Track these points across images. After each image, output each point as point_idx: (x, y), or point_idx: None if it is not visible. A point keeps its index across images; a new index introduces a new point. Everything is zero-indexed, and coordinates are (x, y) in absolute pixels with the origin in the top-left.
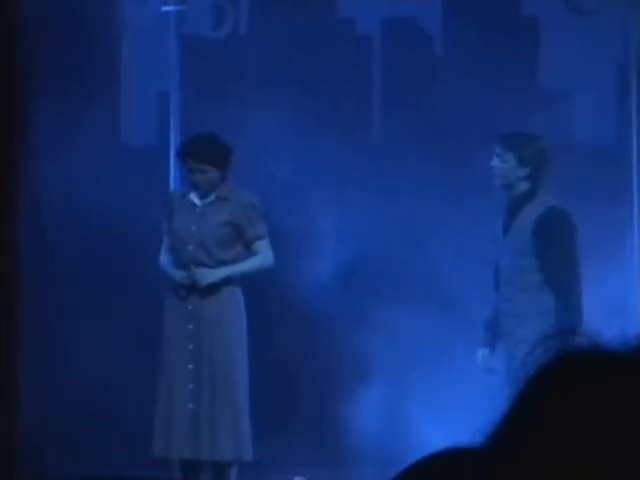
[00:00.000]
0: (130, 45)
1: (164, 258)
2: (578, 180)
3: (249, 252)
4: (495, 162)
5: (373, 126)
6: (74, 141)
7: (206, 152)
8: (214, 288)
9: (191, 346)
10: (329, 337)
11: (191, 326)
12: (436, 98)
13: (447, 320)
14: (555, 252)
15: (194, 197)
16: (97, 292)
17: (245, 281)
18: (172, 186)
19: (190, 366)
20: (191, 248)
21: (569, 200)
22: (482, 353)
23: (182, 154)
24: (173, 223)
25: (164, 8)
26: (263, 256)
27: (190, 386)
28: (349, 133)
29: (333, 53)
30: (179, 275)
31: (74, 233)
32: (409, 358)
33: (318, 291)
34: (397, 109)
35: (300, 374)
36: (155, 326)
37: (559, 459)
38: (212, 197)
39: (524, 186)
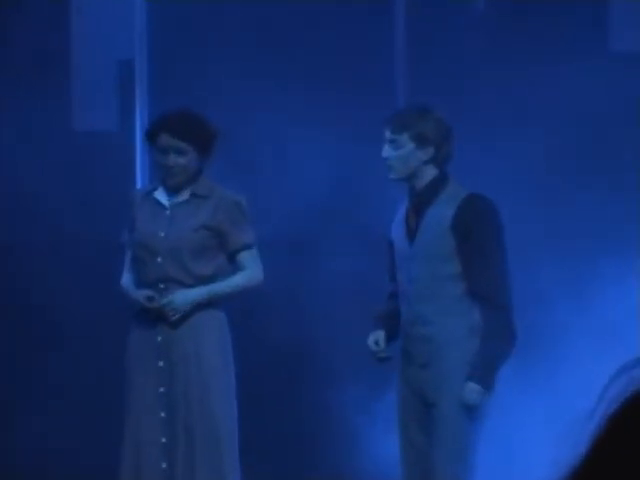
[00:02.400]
0: (83, 4)
1: (126, 278)
2: None
3: (233, 264)
4: (387, 151)
5: (396, 100)
6: (13, 128)
7: (187, 127)
8: (189, 313)
9: (162, 389)
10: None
11: (161, 363)
12: (474, 66)
13: None
14: (481, 254)
15: (161, 196)
16: (48, 314)
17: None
18: (139, 183)
19: (162, 414)
20: (160, 260)
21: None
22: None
23: (155, 128)
24: (136, 231)
25: None
26: (250, 271)
27: (163, 440)
28: (365, 110)
29: (345, 11)
30: (143, 294)
31: (18, 242)
32: None
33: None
34: (425, 78)
35: (299, 422)
36: (118, 361)
37: None
38: (186, 194)
39: (431, 172)
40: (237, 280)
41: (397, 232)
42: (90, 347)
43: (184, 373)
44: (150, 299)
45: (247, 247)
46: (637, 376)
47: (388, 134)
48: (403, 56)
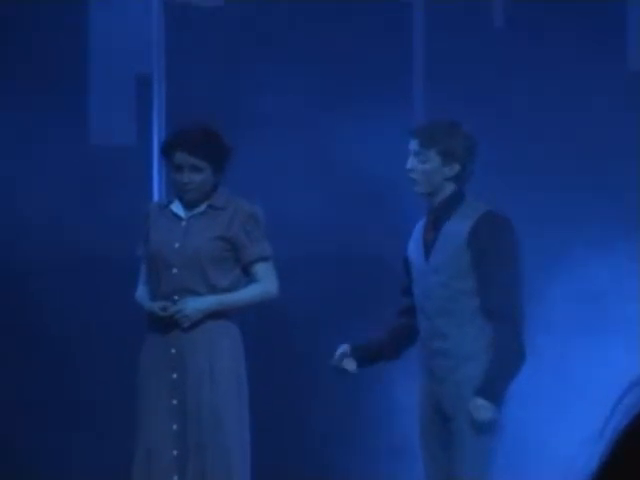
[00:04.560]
0: (101, 17)
1: (141, 290)
2: None
3: (248, 277)
4: (412, 163)
5: (413, 116)
6: (31, 143)
7: (203, 144)
8: (203, 325)
9: (175, 401)
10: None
11: (175, 375)
12: (492, 84)
13: None
14: (495, 271)
15: (178, 208)
16: (62, 330)
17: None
18: (156, 197)
19: (174, 427)
20: (175, 271)
21: None
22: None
23: (171, 145)
24: (150, 243)
25: None
26: (264, 284)
27: (174, 452)
28: (380, 124)
29: (361, 24)
30: (158, 305)
31: (34, 257)
32: None
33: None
34: (442, 94)
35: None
36: (132, 375)
37: None
38: (202, 207)
39: (450, 188)
40: (249, 292)
41: (414, 247)
42: (105, 363)
43: (197, 386)
44: (164, 309)
45: (262, 259)
46: None
47: (415, 146)
48: (421, 72)
